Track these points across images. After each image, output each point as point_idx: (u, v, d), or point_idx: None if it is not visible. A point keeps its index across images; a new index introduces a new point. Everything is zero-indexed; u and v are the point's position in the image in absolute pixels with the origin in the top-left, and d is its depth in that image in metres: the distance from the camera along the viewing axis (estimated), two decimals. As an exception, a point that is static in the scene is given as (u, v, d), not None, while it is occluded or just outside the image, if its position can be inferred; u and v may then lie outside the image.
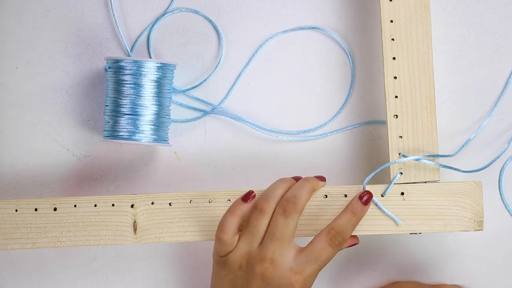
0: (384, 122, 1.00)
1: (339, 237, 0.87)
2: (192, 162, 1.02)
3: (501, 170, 0.99)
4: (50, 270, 1.01)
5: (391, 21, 0.94)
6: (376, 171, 0.92)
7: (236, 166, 1.01)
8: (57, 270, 1.01)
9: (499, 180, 0.99)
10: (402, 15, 0.94)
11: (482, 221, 0.92)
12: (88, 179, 1.01)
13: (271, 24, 1.02)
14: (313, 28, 1.02)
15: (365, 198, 0.90)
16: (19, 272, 1.01)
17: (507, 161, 1.00)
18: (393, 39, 0.94)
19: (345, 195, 0.92)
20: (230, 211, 0.89)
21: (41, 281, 1.01)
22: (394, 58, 0.94)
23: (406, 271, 1.00)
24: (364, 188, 0.92)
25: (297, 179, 0.92)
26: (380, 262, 1.01)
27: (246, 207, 0.89)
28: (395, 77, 0.94)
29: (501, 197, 1.00)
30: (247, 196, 0.89)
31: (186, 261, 1.01)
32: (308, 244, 0.88)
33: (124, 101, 0.96)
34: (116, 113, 0.96)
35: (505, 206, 1.00)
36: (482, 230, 0.92)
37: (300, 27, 1.02)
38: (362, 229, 0.92)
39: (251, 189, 0.91)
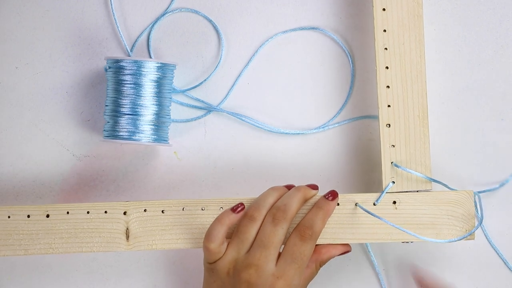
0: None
1: (309, 231, 0.89)
2: (192, 162, 1.02)
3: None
4: (50, 270, 1.01)
5: (384, 31, 0.95)
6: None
7: (236, 166, 1.01)
8: (57, 270, 1.01)
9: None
10: (395, 24, 0.95)
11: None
12: (88, 179, 1.01)
13: (271, 24, 1.02)
14: (313, 28, 1.02)
15: (330, 197, 0.91)
16: (19, 272, 1.01)
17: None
18: (386, 49, 0.94)
19: (338, 204, 0.92)
20: (218, 220, 0.89)
21: (41, 281, 1.01)
22: (387, 68, 0.94)
23: (406, 270, 1.00)
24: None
25: (289, 187, 0.93)
26: (380, 262, 1.01)
27: (234, 217, 0.89)
28: (388, 86, 0.94)
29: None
30: (237, 207, 0.90)
31: (186, 261, 1.01)
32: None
33: (124, 101, 0.96)
34: (116, 113, 0.96)
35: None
36: (473, 239, 0.92)
37: (300, 27, 1.02)
38: (355, 238, 0.92)
39: (246, 194, 0.90)
